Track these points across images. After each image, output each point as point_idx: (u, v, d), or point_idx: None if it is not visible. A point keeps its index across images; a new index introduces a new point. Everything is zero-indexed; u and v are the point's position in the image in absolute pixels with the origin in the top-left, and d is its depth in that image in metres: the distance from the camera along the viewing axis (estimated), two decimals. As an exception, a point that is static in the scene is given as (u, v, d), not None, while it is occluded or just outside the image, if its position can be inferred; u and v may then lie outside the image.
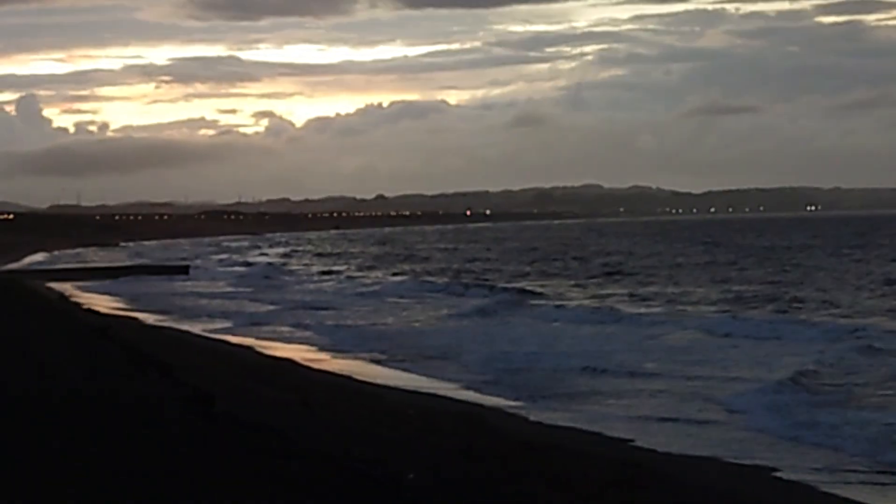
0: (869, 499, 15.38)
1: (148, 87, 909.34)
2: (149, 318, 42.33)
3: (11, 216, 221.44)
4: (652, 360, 29.26)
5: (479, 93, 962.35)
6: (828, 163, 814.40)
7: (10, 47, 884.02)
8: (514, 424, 20.48)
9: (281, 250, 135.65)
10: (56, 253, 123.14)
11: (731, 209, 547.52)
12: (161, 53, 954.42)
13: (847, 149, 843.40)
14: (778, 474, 16.72)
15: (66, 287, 60.06)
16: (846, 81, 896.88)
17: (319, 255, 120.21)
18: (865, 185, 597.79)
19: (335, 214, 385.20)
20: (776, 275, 66.54)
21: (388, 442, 15.86)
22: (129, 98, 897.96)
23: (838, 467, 17.08)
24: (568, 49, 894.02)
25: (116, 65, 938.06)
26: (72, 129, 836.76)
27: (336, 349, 33.48)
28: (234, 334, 37.22)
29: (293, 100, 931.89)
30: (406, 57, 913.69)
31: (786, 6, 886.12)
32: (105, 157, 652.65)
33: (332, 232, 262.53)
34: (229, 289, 64.11)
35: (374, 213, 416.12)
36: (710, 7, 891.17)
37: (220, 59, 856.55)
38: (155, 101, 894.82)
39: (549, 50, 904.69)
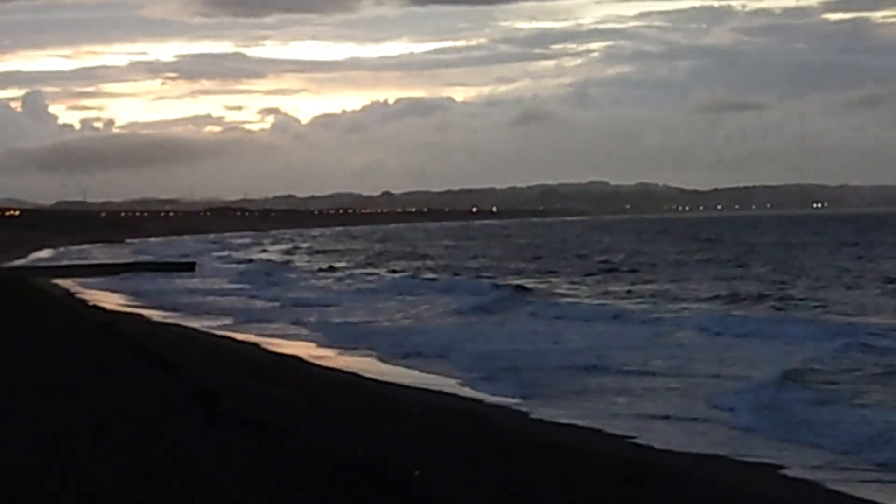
0: (877, 497, 15.36)
1: (154, 84, 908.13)
2: (152, 315, 42.35)
3: (17, 212, 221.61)
4: (648, 357, 29.17)
5: (485, 90, 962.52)
6: (835, 160, 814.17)
7: (16, 43, 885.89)
8: (518, 422, 20.48)
9: (284, 247, 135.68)
10: (61, 249, 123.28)
11: (737, 206, 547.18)
12: (167, 50, 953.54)
13: (854, 146, 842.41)
14: (784, 472, 16.70)
15: (71, 283, 60.17)
16: (853, 78, 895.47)
17: (321, 251, 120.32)
18: (873, 182, 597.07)
19: (341, 211, 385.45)
20: (774, 272, 66.51)
21: (393, 439, 15.85)
22: (134, 94, 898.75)
23: (842, 465, 17.06)
24: (574, 46, 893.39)
25: (122, 61, 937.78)
26: (77, 126, 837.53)
27: (331, 346, 33.50)
28: (233, 331, 37.22)
29: (299, 96, 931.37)
30: (412, 54, 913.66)
31: (792, 3, 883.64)
32: (111, 153, 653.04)
33: (338, 228, 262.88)
34: (229, 285, 64.16)
35: (380, 210, 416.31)
36: (716, 4, 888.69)
37: (226, 55, 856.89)
38: (161, 98, 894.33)
39: (555, 47, 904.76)
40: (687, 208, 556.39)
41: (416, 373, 28.01)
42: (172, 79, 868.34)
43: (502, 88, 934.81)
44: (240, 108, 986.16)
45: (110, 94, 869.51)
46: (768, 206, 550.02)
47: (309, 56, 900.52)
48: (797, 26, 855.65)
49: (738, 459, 17.55)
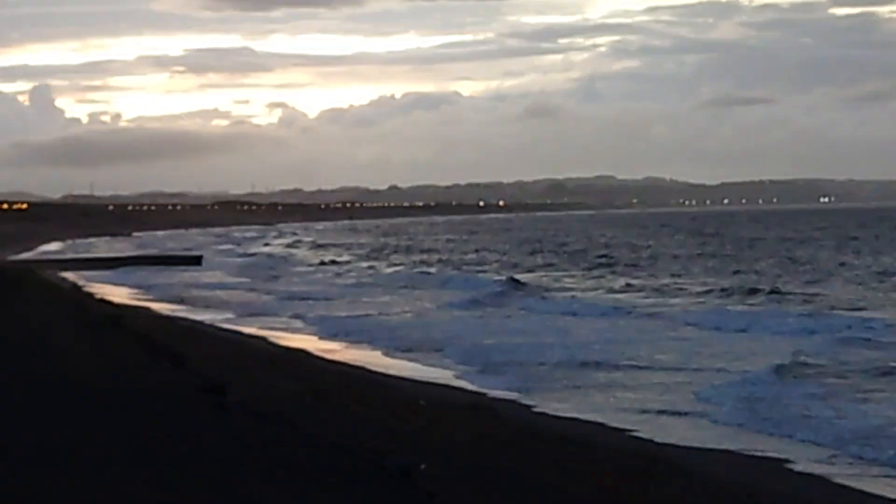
0: (885, 491, 15.37)
1: (161, 78, 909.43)
2: (160, 308, 42.40)
3: (25, 206, 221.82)
4: (643, 352, 29.23)
5: (493, 84, 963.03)
6: (841, 154, 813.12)
7: (24, 37, 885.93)
8: (523, 415, 20.49)
9: (287, 241, 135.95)
10: (69, 242, 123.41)
11: (744, 200, 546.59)
12: (175, 44, 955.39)
13: (861, 140, 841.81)
14: (790, 466, 16.70)
15: (78, 277, 60.22)
16: (860, 73, 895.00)
17: (323, 245, 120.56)
18: (879, 176, 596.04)
19: (348, 205, 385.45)
20: (771, 267, 66.65)
21: (400, 432, 15.87)
22: (142, 88, 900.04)
23: (844, 459, 17.06)
24: (581, 40, 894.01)
25: (130, 55, 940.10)
26: (85, 119, 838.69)
27: (328, 339, 33.57)
28: (233, 325, 37.27)
29: (306, 90, 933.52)
30: (419, 48, 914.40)
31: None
32: (118, 147, 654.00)
33: (344, 222, 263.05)
34: (231, 279, 64.31)
35: (386, 204, 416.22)
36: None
37: (233, 49, 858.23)
38: (168, 92, 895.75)
39: (562, 41, 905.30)
40: (694, 202, 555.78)
41: (414, 365, 28.07)
42: (180, 72, 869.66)
43: (510, 83, 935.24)
44: (247, 101, 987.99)
45: (118, 88, 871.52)
46: (775, 200, 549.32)
47: (316, 50, 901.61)
48: (804, 21, 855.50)
49: (743, 453, 17.55)
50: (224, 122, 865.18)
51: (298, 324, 38.26)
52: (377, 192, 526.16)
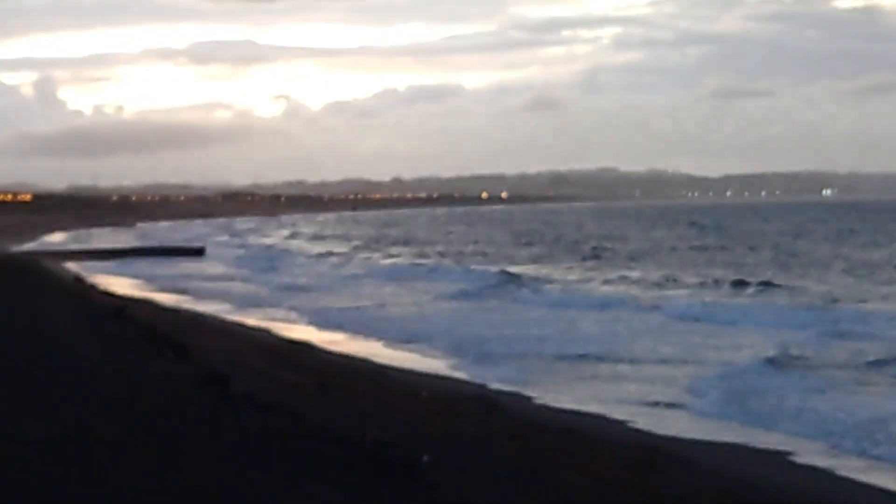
0: (888, 483, 15.39)
1: (165, 69, 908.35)
2: (162, 299, 42.44)
3: (29, 197, 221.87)
4: (634, 345, 29.29)
5: (496, 76, 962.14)
6: (844, 147, 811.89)
7: (28, 28, 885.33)
8: (525, 407, 20.51)
9: (287, 232, 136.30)
10: (73, 233, 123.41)
11: (746, 193, 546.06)
12: (178, 35, 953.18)
13: (864, 133, 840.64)
14: (792, 458, 16.72)
15: (82, 267, 60.25)
16: (862, 66, 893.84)
17: (323, 237, 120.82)
18: (882, 169, 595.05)
19: (351, 196, 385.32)
20: (763, 260, 66.89)
21: (403, 423, 15.90)
22: (145, 80, 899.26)
23: (845, 453, 17.08)
24: (584, 32, 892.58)
25: (133, 46, 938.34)
26: (89, 111, 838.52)
27: (318, 330, 33.75)
28: (229, 315, 37.40)
29: (310, 82, 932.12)
30: (422, 39, 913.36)
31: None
32: (122, 138, 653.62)
33: (347, 214, 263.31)
34: (229, 270, 64.49)
35: (390, 196, 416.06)
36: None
37: (236, 41, 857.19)
38: (172, 83, 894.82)
39: (565, 33, 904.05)
40: (696, 194, 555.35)
41: (408, 356, 28.15)
42: (183, 64, 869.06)
43: (513, 75, 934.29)
44: (251, 93, 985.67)
45: (121, 79, 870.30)
46: (777, 192, 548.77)
47: (320, 42, 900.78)
48: (807, 13, 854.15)
49: (744, 445, 17.58)
50: (227, 114, 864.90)
51: (294, 315, 38.35)
52: (380, 183, 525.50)
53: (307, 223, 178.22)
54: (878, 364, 24.90)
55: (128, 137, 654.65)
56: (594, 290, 47.77)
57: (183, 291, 47.40)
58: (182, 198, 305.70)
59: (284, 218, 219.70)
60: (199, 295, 46.17)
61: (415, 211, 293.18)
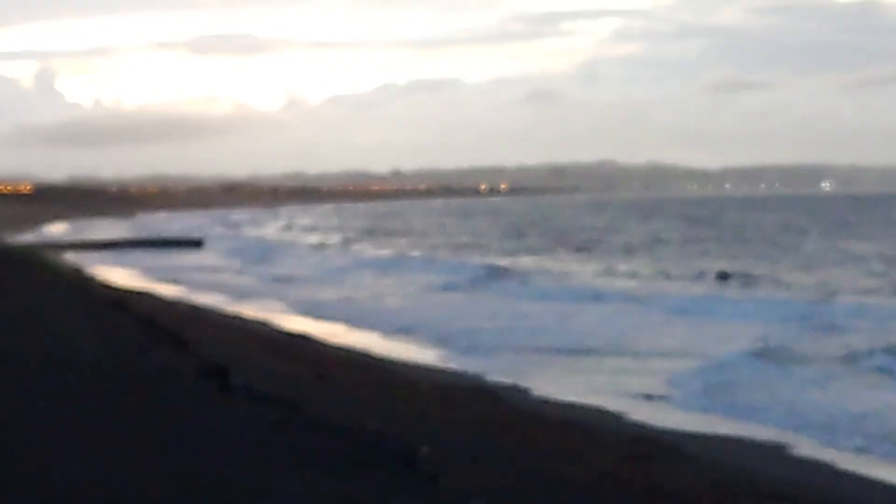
0: (889, 476, 15.42)
1: (165, 60, 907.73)
2: (161, 291, 42.49)
3: (29, 188, 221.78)
4: (621, 338, 29.33)
5: (495, 68, 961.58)
6: (844, 140, 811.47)
7: (27, 18, 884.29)
8: (523, 399, 20.52)
9: (282, 223, 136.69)
10: (73, 225, 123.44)
11: (746, 186, 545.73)
12: (178, 26, 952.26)
13: (863, 126, 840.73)
14: (791, 451, 16.74)
15: (81, 259, 60.27)
16: (862, 58, 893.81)
17: (317, 228, 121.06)
18: (882, 162, 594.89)
19: (350, 188, 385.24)
20: (752, 253, 67.01)
21: (402, 415, 15.92)
22: (145, 71, 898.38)
23: (839, 446, 17.10)
24: (584, 25, 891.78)
25: (133, 37, 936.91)
26: (88, 102, 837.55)
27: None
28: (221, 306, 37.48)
29: (309, 74, 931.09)
30: (422, 32, 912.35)
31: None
32: (122, 129, 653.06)
33: (346, 205, 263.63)
34: (222, 262, 64.68)
35: (389, 188, 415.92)
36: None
37: (236, 32, 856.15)
38: (172, 74, 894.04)
39: (564, 25, 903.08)
40: (696, 187, 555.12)
41: (405, 349, 28.21)
42: (184, 55, 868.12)
43: (512, 67, 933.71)
44: (250, 85, 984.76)
45: (121, 70, 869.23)
46: (777, 185, 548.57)
47: (319, 34, 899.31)
48: (807, 6, 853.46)
49: (743, 438, 17.59)
50: (227, 105, 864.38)
51: (281, 306, 38.44)
52: (379, 175, 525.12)
53: (303, 215, 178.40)
54: (863, 356, 24.97)
55: (127, 128, 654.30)
56: (582, 282, 47.93)
57: (175, 282, 47.58)
58: (182, 189, 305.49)
59: (282, 209, 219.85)
60: (189, 286, 46.30)
61: (413, 203, 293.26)
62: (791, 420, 18.70)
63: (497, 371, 24.23)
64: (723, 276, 48.61)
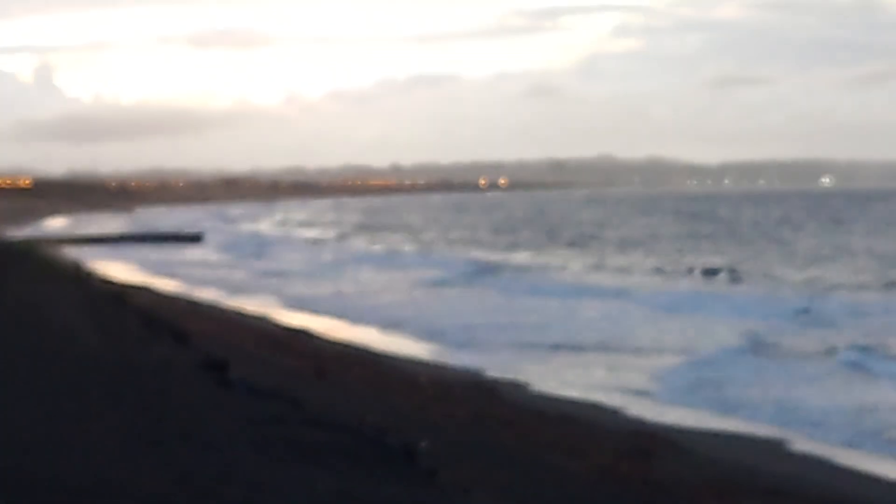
0: (889, 472, 15.43)
1: (164, 55, 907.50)
2: (160, 285, 42.59)
3: (28, 182, 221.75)
4: (612, 333, 29.50)
5: (495, 63, 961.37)
6: (844, 135, 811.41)
7: (26, 12, 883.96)
8: (521, 394, 20.54)
9: (279, 218, 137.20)
10: (72, 219, 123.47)
11: (745, 181, 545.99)
12: (177, 20, 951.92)
13: (863, 121, 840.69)
14: (789, 447, 16.75)
15: (80, 253, 60.30)
16: (861, 54, 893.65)
17: (313, 224, 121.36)
18: (882, 157, 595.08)
19: (349, 183, 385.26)
20: (743, 248, 67.40)
21: (401, 410, 15.93)
22: (145, 65, 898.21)
23: (833, 441, 17.12)
24: (583, 19, 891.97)
25: (133, 31, 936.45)
26: (87, 96, 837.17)
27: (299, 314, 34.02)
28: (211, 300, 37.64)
29: (309, 68, 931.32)
30: (421, 26, 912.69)
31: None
32: (121, 124, 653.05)
33: (344, 200, 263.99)
34: (214, 257, 65.03)
35: (388, 182, 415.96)
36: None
37: (236, 26, 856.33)
38: (171, 69, 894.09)
39: (564, 20, 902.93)
40: (695, 182, 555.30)
41: (402, 344, 28.26)
42: (183, 50, 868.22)
43: (511, 62, 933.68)
44: (250, 79, 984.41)
45: (121, 65, 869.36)
46: (776, 181, 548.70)
47: (319, 28, 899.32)
48: (806, 1, 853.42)
49: (740, 434, 17.61)
50: (226, 100, 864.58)
51: (274, 300, 38.54)
52: (379, 170, 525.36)
53: (301, 210, 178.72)
54: (843, 352, 25.06)
55: (127, 123, 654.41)
56: (572, 278, 48.14)
57: (172, 276, 47.83)
58: (181, 184, 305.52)
59: (280, 204, 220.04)
60: (185, 280, 46.45)
61: (412, 197, 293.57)
62: (780, 416, 18.75)
63: (491, 366, 24.27)
64: (711, 272, 48.81)
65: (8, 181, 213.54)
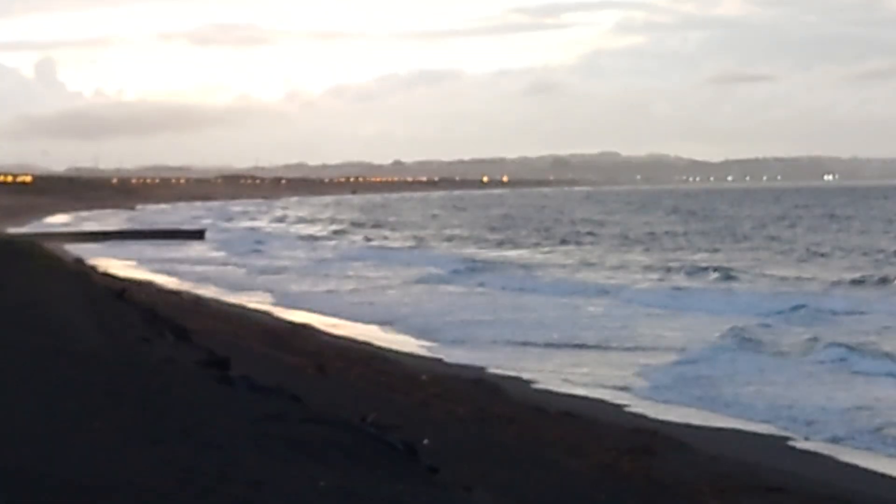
0: (890, 469, 15.42)
1: (166, 51, 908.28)
2: (162, 281, 42.65)
3: (29, 179, 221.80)
4: (604, 331, 29.60)
5: (497, 60, 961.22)
6: (846, 132, 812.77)
7: (28, 9, 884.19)
8: (524, 391, 20.54)
9: (278, 214, 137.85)
10: (73, 215, 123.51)
11: (748, 178, 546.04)
12: (179, 17, 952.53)
13: (865, 118, 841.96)
14: (792, 443, 16.73)
15: (82, 250, 60.32)
16: (863, 51, 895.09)
17: (311, 220, 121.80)
18: (884, 154, 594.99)
19: (351, 179, 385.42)
20: (740, 245, 67.46)
21: (403, 407, 15.91)
22: (146, 61, 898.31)
23: (840, 438, 17.12)
24: (585, 16, 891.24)
25: (134, 28, 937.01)
26: (89, 93, 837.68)
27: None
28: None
29: (311, 65, 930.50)
30: (423, 23, 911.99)
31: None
32: (122, 120, 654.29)
33: (348, 196, 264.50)
34: (210, 253, 65.23)
35: (390, 179, 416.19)
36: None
37: (238, 23, 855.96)
38: (173, 65, 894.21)
39: (566, 17, 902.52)
40: (697, 179, 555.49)
41: (401, 341, 28.31)
42: (185, 46, 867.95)
43: (514, 59, 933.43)
44: (252, 76, 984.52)
45: (122, 61, 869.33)
46: (779, 177, 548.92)
47: (321, 25, 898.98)
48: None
49: (743, 430, 17.60)
50: (228, 96, 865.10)
51: (269, 298, 38.60)
52: (381, 166, 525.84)
53: (301, 206, 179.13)
54: (827, 349, 25.09)
55: (128, 119, 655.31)
56: (562, 276, 48.30)
57: (171, 273, 47.96)
58: (182, 180, 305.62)
59: (282, 201, 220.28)
60: (183, 277, 46.57)
61: (413, 194, 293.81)
62: (772, 412, 18.76)
63: (489, 364, 24.28)
64: (704, 270, 48.98)
65: (9, 177, 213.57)
